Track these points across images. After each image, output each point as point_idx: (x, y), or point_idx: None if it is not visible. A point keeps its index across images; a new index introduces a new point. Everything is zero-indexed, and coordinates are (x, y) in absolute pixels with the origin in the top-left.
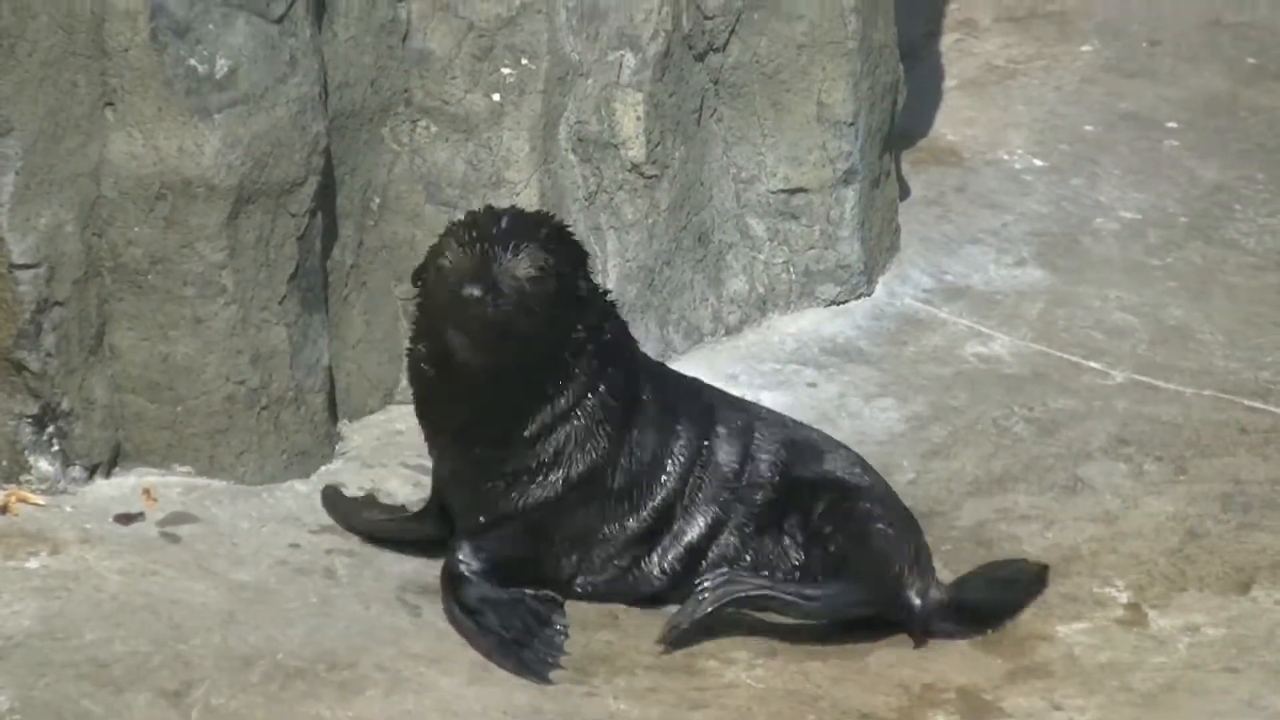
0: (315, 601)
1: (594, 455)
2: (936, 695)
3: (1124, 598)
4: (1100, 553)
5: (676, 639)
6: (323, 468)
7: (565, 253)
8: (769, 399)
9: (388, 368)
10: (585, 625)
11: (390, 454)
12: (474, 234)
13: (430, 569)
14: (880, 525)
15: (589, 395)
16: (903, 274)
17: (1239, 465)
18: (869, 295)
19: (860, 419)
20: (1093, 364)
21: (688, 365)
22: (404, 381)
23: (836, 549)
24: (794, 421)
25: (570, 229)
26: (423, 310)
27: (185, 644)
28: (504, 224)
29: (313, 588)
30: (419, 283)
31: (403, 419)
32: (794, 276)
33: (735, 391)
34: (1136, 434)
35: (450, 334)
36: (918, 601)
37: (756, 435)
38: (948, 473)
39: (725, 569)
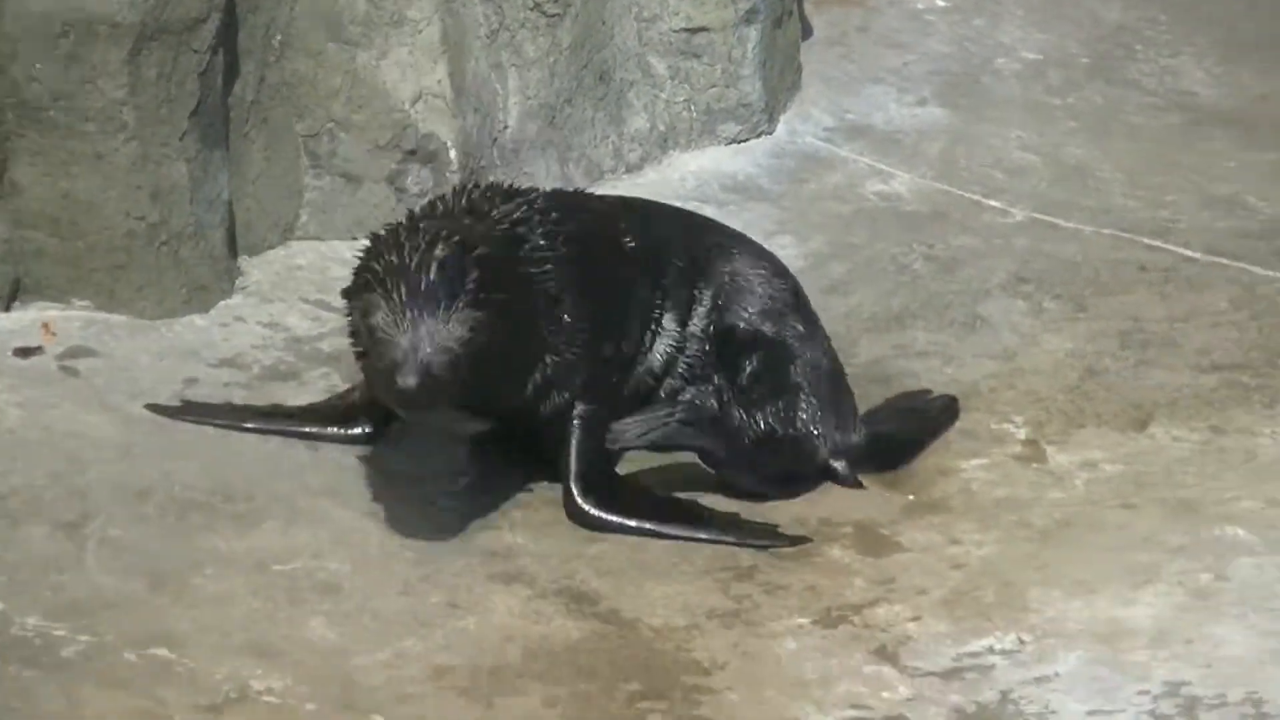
0: (213, 435)
1: (586, 361)
2: (834, 530)
3: (1022, 434)
4: (999, 390)
5: (619, 442)
6: (222, 302)
7: (497, 277)
8: None
9: (287, 203)
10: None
11: (289, 289)
12: (402, 293)
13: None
14: (806, 399)
15: (557, 336)
16: (804, 113)
17: (1138, 303)
18: (770, 134)
19: None
20: (993, 202)
21: None
22: (304, 217)
23: (765, 423)
24: (739, 247)
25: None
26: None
27: (82, 476)
28: (432, 279)
29: None
30: (349, 313)
31: (302, 254)
32: (695, 115)
33: None
34: (1036, 272)
35: (389, 402)
36: (843, 467)
37: (699, 280)
38: (846, 309)
39: (693, 406)
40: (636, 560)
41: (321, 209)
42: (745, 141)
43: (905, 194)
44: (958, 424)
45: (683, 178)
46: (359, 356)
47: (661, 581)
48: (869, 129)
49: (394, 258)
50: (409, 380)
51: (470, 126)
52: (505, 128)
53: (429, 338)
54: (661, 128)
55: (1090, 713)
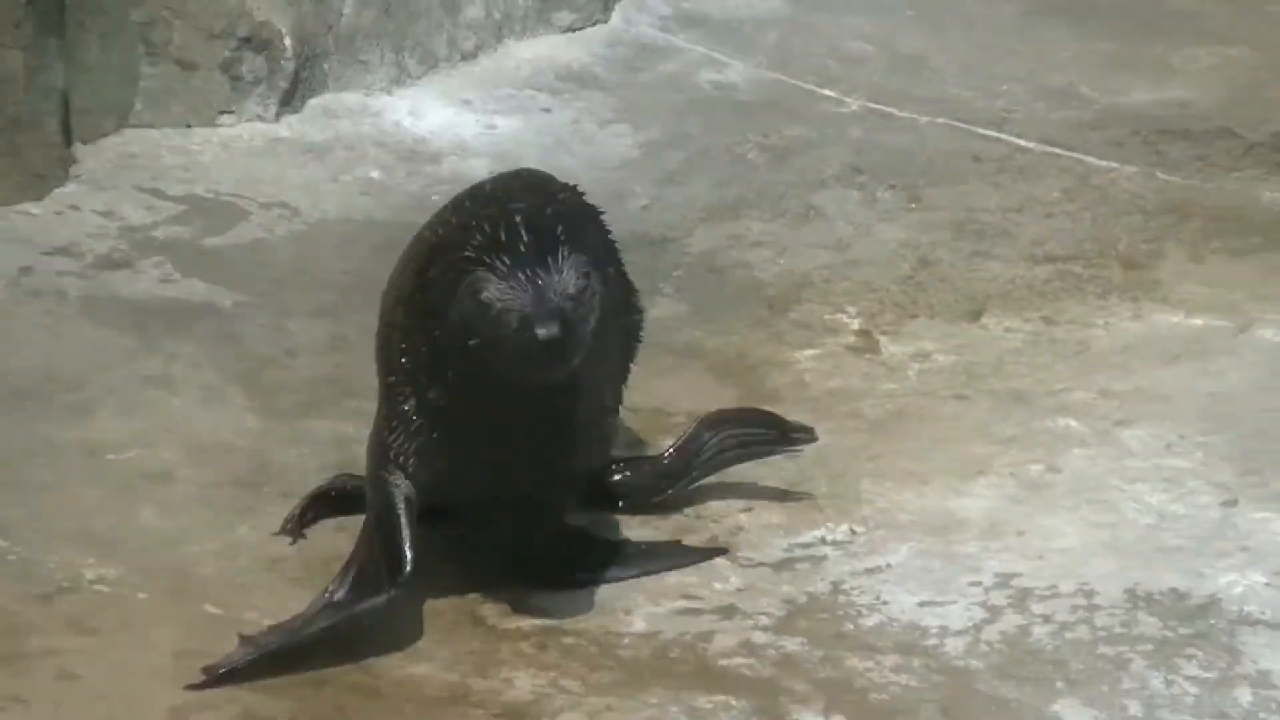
0: (47, 323)
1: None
2: (668, 421)
3: (855, 325)
4: (832, 280)
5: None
6: (56, 190)
7: (588, 234)
8: (504, 124)
9: (122, 91)
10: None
11: (124, 177)
12: (507, 259)
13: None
14: None
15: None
16: (640, 2)
17: (971, 193)
18: (605, 23)
19: (594, 145)
20: (827, 91)
21: (423, 91)
22: (139, 105)
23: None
24: None
25: (579, 192)
26: (463, 353)
27: None
28: (530, 238)
29: (44, 310)
30: (428, 323)
31: (137, 142)
32: (530, 3)
33: (470, 118)
34: (870, 162)
35: (526, 370)
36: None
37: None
38: (681, 199)
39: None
40: None
41: (156, 97)
42: (581, 30)
43: (741, 83)
44: (791, 314)
45: (518, 66)
46: (464, 356)
47: None
48: (705, 18)
49: (479, 237)
50: (552, 328)
51: (305, 15)
52: (340, 16)
53: (553, 289)
54: (497, 16)
55: (921, 604)
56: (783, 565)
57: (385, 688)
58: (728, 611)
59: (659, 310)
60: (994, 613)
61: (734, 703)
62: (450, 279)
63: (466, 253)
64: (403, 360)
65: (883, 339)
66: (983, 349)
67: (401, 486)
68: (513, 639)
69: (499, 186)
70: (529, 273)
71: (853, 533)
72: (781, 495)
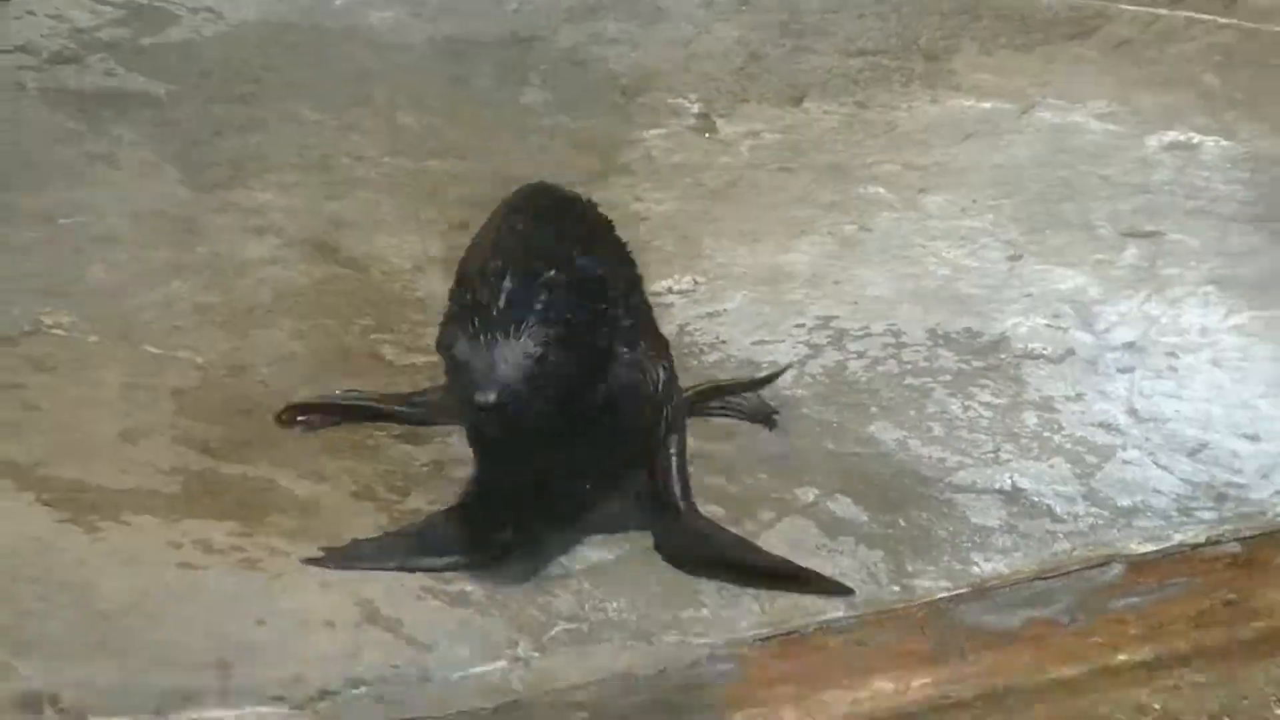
0: (7, 112)
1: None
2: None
3: (695, 109)
4: (676, 71)
5: None
6: None
7: (574, 294)
8: None
9: None
10: (240, 131)
11: None
12: (475, 322)
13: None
14: None
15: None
16: None
17: None
18: None
19: None
20: None
21: None
22: None
23: None
24: None
25: (586, 258)
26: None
27: None
28: (504, 298)
29: (5, 99)
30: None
31: None
32: None
33: None
34: None
35: (482, 428)
36: None
37: None
38: (547, 3)
39: None
40: (371, 215)
41: None
42: None
43: None
44: (640, 99)
45: None
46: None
47: (390, 233)
48: None
49: (469, 295)
50: (489, 396)
51: None
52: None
53: (507, 357)
54: None
55: (755, 343)
56: None
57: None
58: None
59: (528, 98)
60: (816, 350)
61: None
62: (443, 329)
63: (454, 307)
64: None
65: (719, 120)
66: (805, 129)
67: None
68: (408, 373)
69: (515, 230)
70: (489, 337)
71: (695, 283)
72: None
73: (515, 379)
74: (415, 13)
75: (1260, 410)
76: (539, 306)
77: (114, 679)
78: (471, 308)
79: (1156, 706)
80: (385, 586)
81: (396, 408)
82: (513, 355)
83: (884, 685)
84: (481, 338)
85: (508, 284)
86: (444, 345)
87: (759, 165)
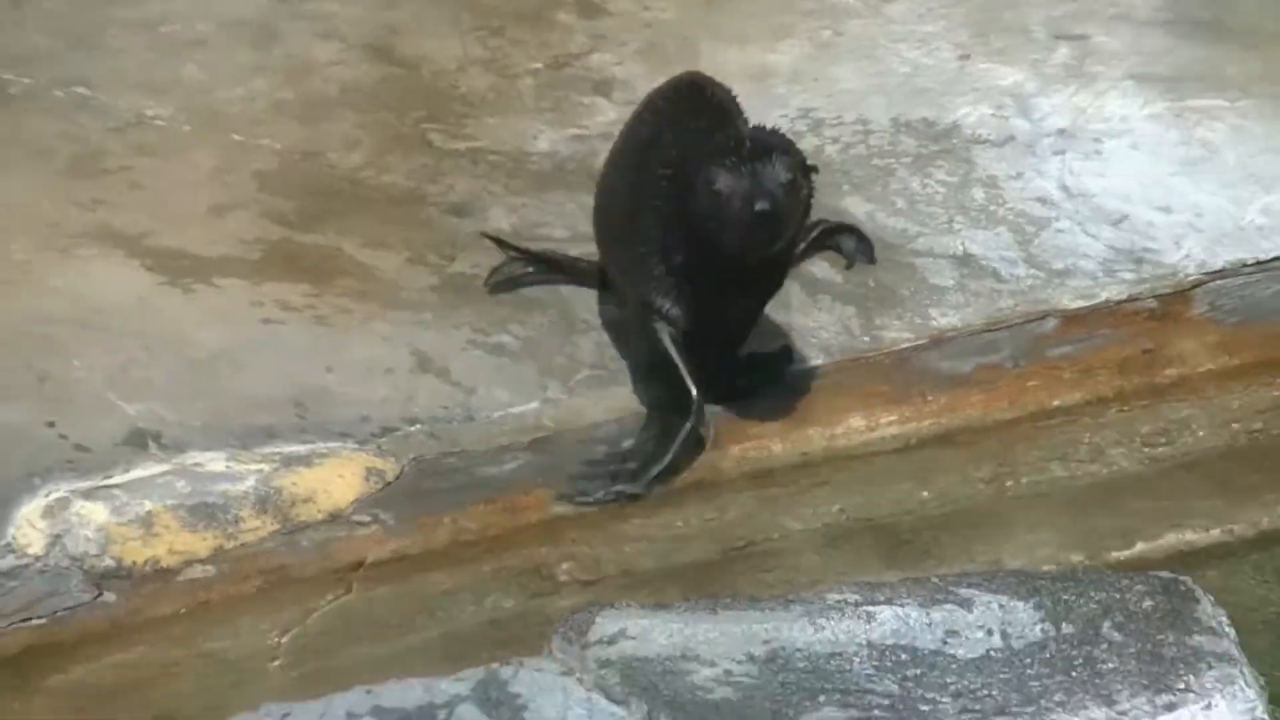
0: None
1: None
2: (559, 2)
3: None
4: None
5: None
6: None
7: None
8: None
9: None
10: None
11: None
12: (733, 159)
13: None
14: None
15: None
16: None
17: None
18: None
19: None
20: None
21: None
22: None
23: None
24: None
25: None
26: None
27: None
28: (750, 145)
29: None
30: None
31: None
32: None
33: None
34: None
35: (748, 243)
36: None
37: None
38: None
39: None
40: (420, 22)
41: None
42: None
43: None
44: None
45: None
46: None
47: (437, 38)
48: None
49: (714, 145)
50: (764, 203)
51: None
52: None
53: (768, 178)
54: None
55: None
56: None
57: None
58: (607, 135)
59: None
60: (797, 136)
61: None
62: (693, 176)
63: (705, 159)
64: (657, 236)
65: None
66: None
67: (668, 330)
68: (453, 157)
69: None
70: (749, 167)
71: None
72: (643, 52)
73: (779, 194)
74: None
75: (1172, 186)
76: (780, 142)
77: (206, 417)
78: (723, 149)
79: (1086, 439)
80: (435, 338)
81: (573, 264)
82: (771, 177)
83: (856, 422)
84: (741, 169)
85: (751, 130)
86: (706, 181)
87: None
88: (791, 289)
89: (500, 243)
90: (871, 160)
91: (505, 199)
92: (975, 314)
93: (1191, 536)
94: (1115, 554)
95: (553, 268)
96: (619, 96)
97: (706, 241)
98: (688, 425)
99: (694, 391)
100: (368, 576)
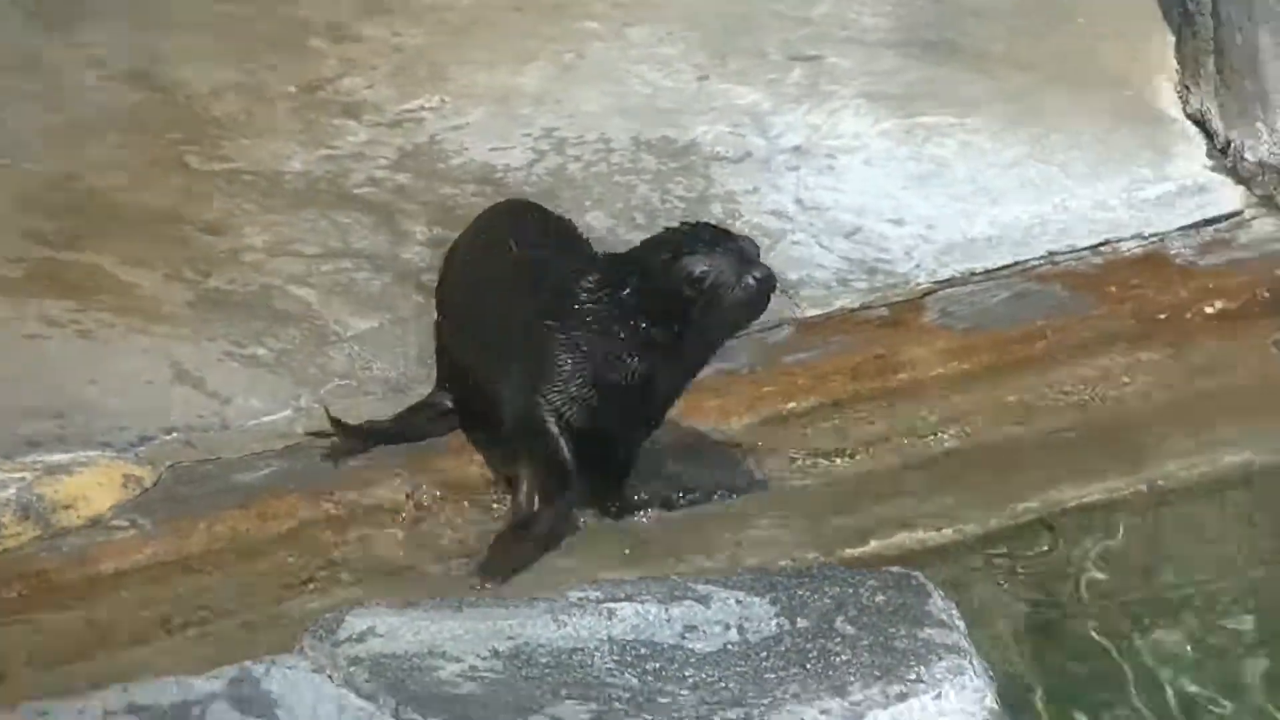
0: None
1: None
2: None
3: None
4: None
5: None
6: None
7: None
8: None
9: None
10: None
11: None
12: (714, 243)
13: None
14: None
15: None
16: None
17: None
18: None
19: None
20: None
21: None
22: None
23: None
24: None
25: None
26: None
27: None
28: (710, 234)
29: None
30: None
31: None
32: None
33: None
34: None
35: (748, 313)
36: None
37: None
38: None
39: None
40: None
41: None
42: None
43: None
44: None
45: None
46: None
47: (195, 64)
48: None
49: (681, 244)
50: (763, 269)
51: None
52: None
53: (744, 251)
54: None
55: (491, 149)
56: (395, 124)
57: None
58: (358, 156)
59: None
60: (541, 155)
61: (364, 219)
62: (669, 277)
63: (677, 242)
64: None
65: None
66: None
67: (555, 421)
68: (210, 178)
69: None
70: (732, 245)
71: (443, 102)
72: (393, 75)
73: (758, 256)
74: None
75: (902, 200)
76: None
77: None
78: (688, 244)
79: (820, 443)
80: (192, 351)
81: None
82: (743, 248)
83: None
84: (718, 248)
85: (710, 229)
86: (692, 275)
87: (494, 6)
88: None
89: (342, 427)
90: (613, 177)
91: (260, 217)
92: None
93: (923, 535)
94: (850, 551)
95: (396, 437)
96: (368, 119)
97: (699, 330)
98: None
99: (572, 483)
100: (126, 580)
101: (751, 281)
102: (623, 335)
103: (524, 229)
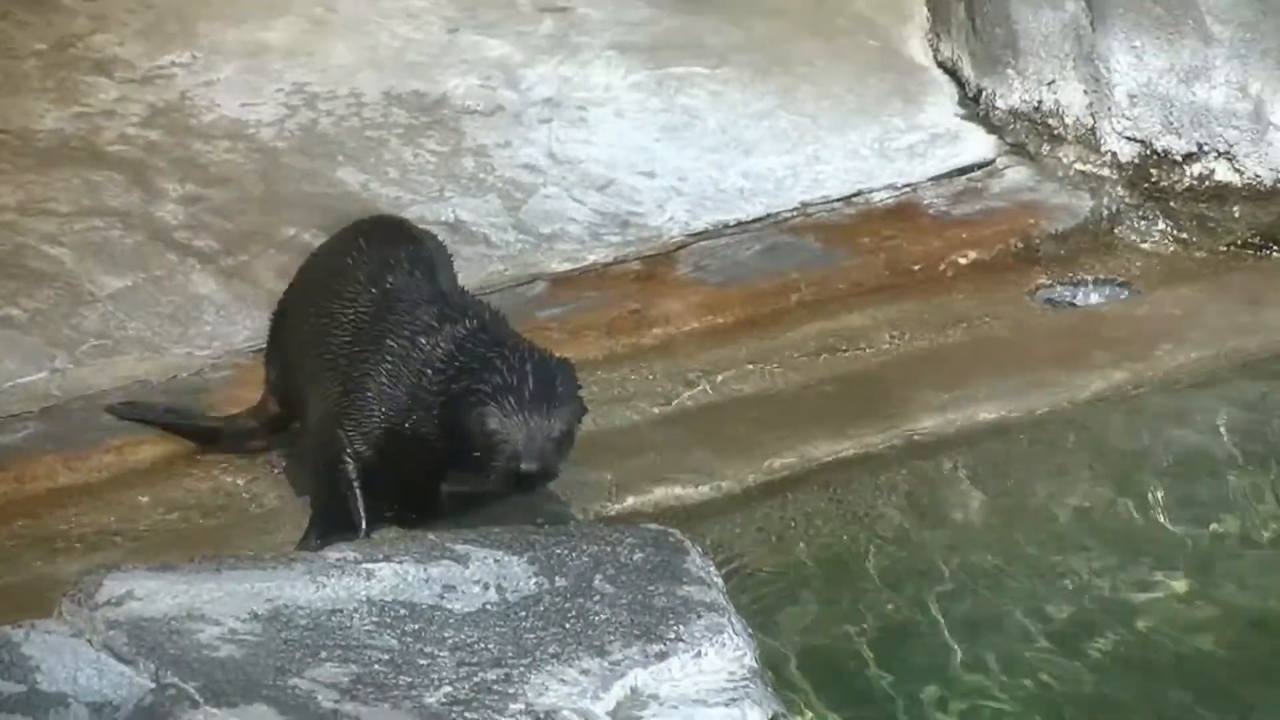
0: None
1: None
2: None
3: None
4: None
5: None
6: None
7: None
8: None
9: None
10: None
11: None
12: (512, 403)
13: None
14: None
15: None
16: None
17: None
18: None
19: None
20: None
21: None
22: None
23: None
24: None
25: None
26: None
27: None
28: (533, 388)
29: None
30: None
31: None
32: None
33: None
34: None
35: (503, 487)
36: None
37: None
38: None
39: None
40: None
41: None
42: None
43: None
44: None
45: None
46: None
47: None
48: None
49: (499, 379)
50: (533, 465)
51: None
52: None
53: (542, 431)
54: None
55: (243, 105)
56: (146, 80)
57: None
58: (109, 114)
59: None
60: (293, 110)
61: (117, 176)
62: (467, 403)
63: (485, 387)
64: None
65: None
66: None
67: (351, 459)
68: None
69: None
70: (524, 416)
71: (194, 58)
72: (143, 33)
73: (549, 451)
74: None
75: (654, 152)
76: (560, 391)
77: None
78: (501, 389)
79: None
80: None
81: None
82: (545, 431)
83: None
84: (517, 416)
85: (535, 380)
86: (479, 416)
87: None
88: (288, 261)
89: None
90: (364, 132)
91: (13, 176)
92: (467, 279)
93: (680, 490)
94: (607, 507)
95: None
96: (120, 75)
97: (458, 458)
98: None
99: (362, 526)
100: None
101: (516, 472)
102: (416, 386)
103: (377, 249)
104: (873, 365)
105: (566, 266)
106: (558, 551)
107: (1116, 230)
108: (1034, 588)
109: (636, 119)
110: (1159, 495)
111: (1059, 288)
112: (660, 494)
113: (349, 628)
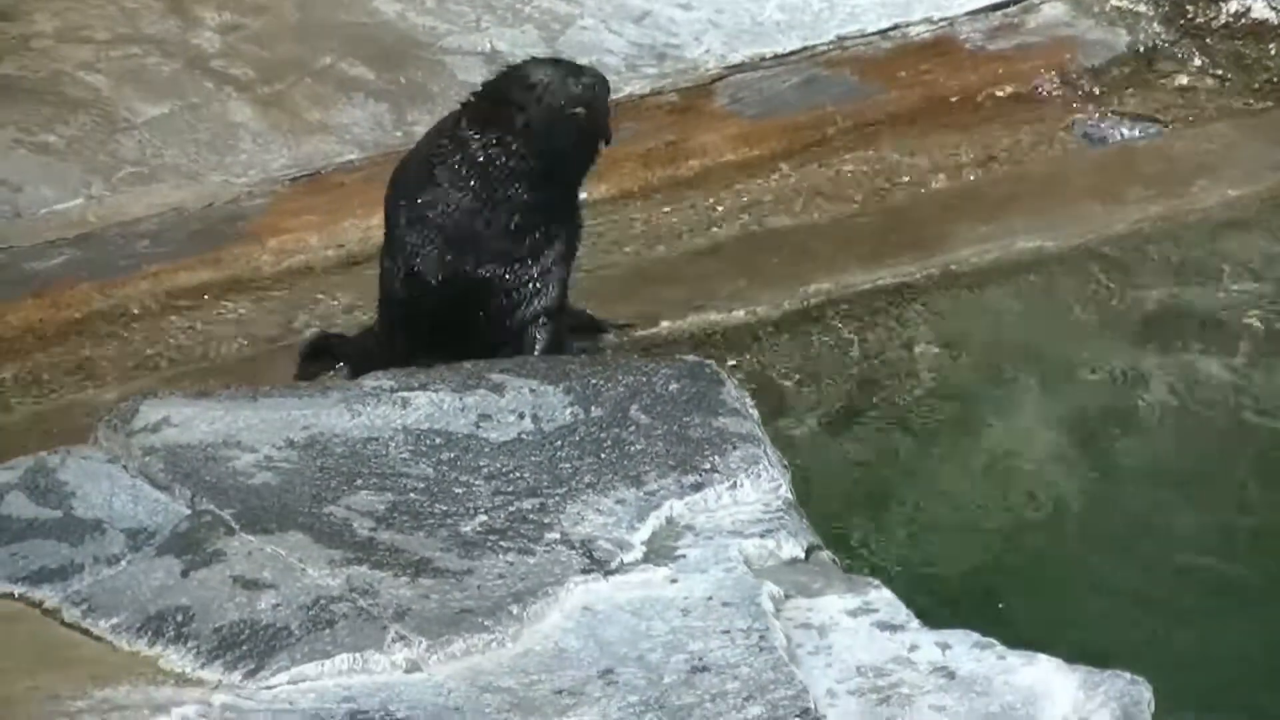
0: None
1: None
2: None
3: None
4: None
5: None
6: None
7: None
8: None
9: None
10: None
11: None
12: (548, 69)
13: None
14: None
15: None
16: None
17: None
18: None
19: None
20: None
21: None
22: None
23: None
24: None
25: None
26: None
27: None
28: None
29: None
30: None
31: None
32: None
33: None
34: None
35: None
36: None
37: None
38: None
39: None
40: None
41: None
42: None
43: None
44: None
45: None
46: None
47: None
48: None
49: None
50: (587, 77)
51: None
52: None
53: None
54: None
55: None
56: None
57: None
58: None
59: None
60: None
61: (154, 4)
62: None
63: (520, 81)
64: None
65: None
66: None
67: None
68: None
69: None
70: (566, 66)
71: None
72: None
73: (592, 70)
74: None
75: None
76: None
77: None
78: (537, 67)
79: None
80: None
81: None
82: (580, 66)
83: None
84: (560, 67)
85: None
86: (526, 80)
87: None
88: (324, 90)
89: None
90: None
91: (49, 3)
92: None
93: (716, 317)
94: (641, 333)
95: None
96: None
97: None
98: None
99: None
100: None
101: (577, 86)
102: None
103: None
104: (909, 198)
105: None
106: (594, 382)
107: (1153, 66)
108: (1066, 403)
109: None
110: (1197, 327)
111: (1095, 123)
112: (696, 320)
113: (385, 456)
